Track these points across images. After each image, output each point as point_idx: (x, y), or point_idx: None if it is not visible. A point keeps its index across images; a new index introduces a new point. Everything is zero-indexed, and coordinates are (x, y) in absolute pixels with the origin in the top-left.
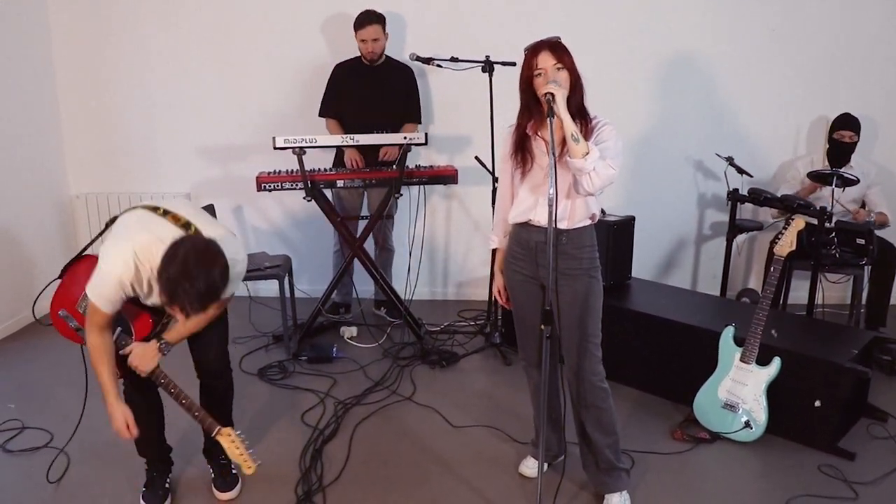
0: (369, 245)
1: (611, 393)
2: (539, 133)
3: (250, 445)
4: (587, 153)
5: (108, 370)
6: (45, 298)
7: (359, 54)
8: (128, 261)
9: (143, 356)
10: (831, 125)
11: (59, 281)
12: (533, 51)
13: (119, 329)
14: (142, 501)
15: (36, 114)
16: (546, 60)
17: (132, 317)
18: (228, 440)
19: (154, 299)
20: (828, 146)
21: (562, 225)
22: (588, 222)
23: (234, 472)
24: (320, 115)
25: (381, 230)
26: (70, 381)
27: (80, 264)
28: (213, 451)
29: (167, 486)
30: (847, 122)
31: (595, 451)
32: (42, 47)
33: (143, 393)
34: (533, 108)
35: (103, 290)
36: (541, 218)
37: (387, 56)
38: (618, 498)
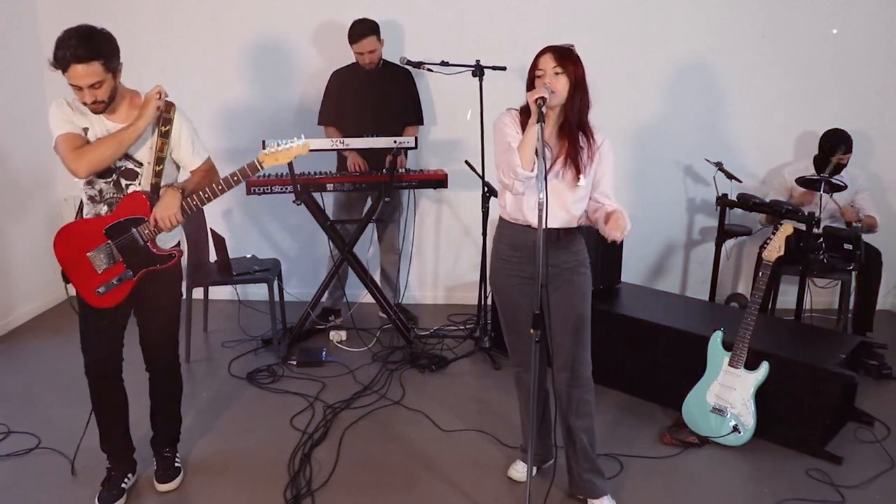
0: (364, 248)
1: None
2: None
3: (239, 448)
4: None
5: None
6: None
7: (355, 60)
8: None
9: (164, 207)
10: (827, 145)
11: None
12: (540, 53)
13: (133, 230)
14: (96, 500)
15: (25, 115)
16: (546, 63)
17: (130, 207)
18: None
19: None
20: (817, 155)
21: (560, 225)
22: (576, 224)
23: (177, 464)
24: (319, 123)
25: (383, 233)
26: (54, 385)
27: (65, 248)
28: (158, 443)
29: (123, 486)
30: (849, 145)
31: (579, 450)
32: (31, 46)
33: (108, 382)
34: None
35: (54, 119)
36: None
37: (384, 60)
38: (608, 501)
